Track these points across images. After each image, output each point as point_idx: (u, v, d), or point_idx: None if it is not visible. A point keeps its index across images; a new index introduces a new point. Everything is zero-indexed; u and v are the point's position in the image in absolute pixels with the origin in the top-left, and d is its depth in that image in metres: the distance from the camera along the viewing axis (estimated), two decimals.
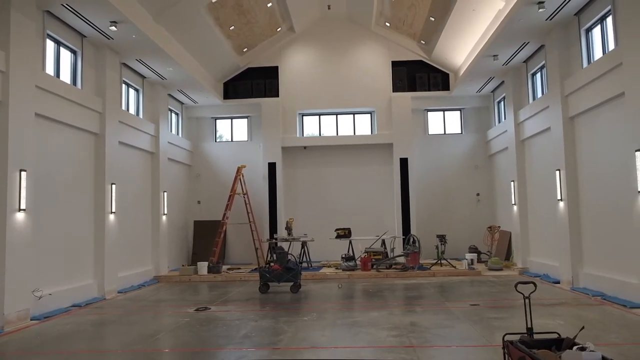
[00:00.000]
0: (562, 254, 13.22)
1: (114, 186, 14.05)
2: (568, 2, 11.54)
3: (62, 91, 11.83)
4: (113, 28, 12.32)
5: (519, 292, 5.63)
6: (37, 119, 10.97)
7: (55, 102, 11.66)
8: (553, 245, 14.25)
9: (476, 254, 17.36)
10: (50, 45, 12.03)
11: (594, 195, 12.02)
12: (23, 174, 10.07)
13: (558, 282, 13.47)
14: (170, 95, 19.22)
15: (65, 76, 12.69)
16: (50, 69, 11.96)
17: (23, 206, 10.03)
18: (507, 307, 10.55)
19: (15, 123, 9.92)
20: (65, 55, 12.73)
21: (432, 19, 17.19)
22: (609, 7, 11.06)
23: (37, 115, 10.95)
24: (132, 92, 16.59)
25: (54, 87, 11.48)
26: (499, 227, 19.15)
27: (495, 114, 20.13)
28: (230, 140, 22.21)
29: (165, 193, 17.95)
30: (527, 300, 5.36)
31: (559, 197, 13.30)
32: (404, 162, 20.03)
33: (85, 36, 13.04)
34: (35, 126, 10.73)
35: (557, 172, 13.34)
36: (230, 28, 17.31)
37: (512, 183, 17.31)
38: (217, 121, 22.32)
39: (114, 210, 14.03)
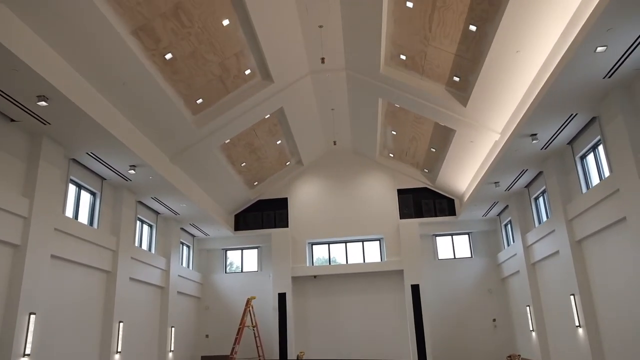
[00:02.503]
0: None
1: (121, 324, 13.86)
2: (559, 134, 12.24)
3: (79, 232, 12.26)
4: (132, 171, 13.11)
5: None
6: (52, 259, 11.25)
7: (72, 243, 12.03)
8: None
9: None
10: (72, 189, 12.72)
11: (613, 319, 11.64)
12: (32, 317, 10.05)
13: None
14: (182, 229, 19.70)
15: (83, 217, 13.22)
16: (69, 211, 12.52)
17: (28, 351, 9.86)
18: None
19: (31, 266, 10.16)
20: (85, 197, 13.38)
21: (433, 150, 18.09)
22: (598, 137, 11.68)
23: (53, 256, 11.25)
24: (145, 227, 17.07)
25: (71, 229, 11.93)
26: (519, 355, 18.22)
27: (503, 237, 20.21)
28: (240, 270, 22.22)
29: (172, 328, 17.58)
30: None
31: (577, 324, 12.87)
32: (415, 289, 19.70)
33: (105, 179, 13.83)
34: (49, 267, 10.97)
35: (572, 297, 13.07)
36: (242, 164, 18.26)
37: (527, 308, 16.85)
38: (228, 252, 22.53)
39: (119, 349, 13.68)
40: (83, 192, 13.25)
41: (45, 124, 10.28)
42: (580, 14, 8.71)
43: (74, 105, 9.58)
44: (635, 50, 8.72)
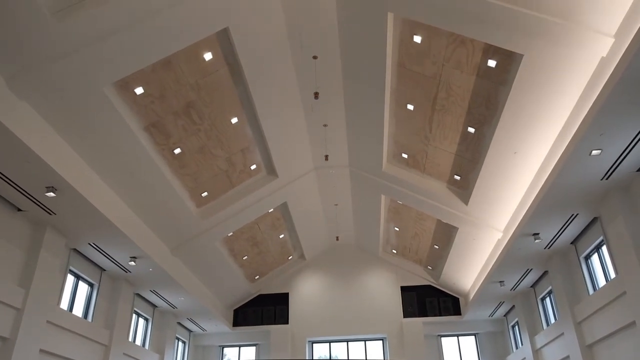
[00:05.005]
0: None
1: None
2: (561, 234, 12.22)
3: (72, 326, 11.93)
4: (132, 263, 13.03)
5: None
6: (41, 354, 10.81)
7: (63, 337, 11.65)
8: None
9: None
10: (70, 279, 12.57)
11: None
12: None
13: None
14: (179, 323, 19.12)
15: (79, 309, 12.93)
16: (65, 303, 12.26)
17: None
18: None
19: None
20: (83, 288, 13.18)
21: (436, 247, 17.99)
22: (601, 238, 11.64)
23: (42, 351, 10.83)
24: (141, 321, 16.59)
25: (64, 322, 11.62)
26: None
27: (511, 339, 19.41)
28: None
29: None
30: None
31: None
32: None
33: (104, 270, 13.71)
34: None
35: None
36: (244, 258, 18.13)
37: None
38: (225, 349, 21.64)
39: None
40: (81, 283, 13.07)
41: (50, 214, 10.41)
42: (573, 118, 9.10)
43: (82, 197, 9.77)
44: (630, 154, 8.96)
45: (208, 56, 10.12)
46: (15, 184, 9.29)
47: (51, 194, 9.48)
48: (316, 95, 11.38)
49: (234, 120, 12.11)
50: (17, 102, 8.20)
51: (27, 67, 7.95)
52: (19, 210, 10.21)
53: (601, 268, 12.05)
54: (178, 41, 9.19)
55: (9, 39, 7.47)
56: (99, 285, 13.62)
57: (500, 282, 15.75)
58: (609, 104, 7.70)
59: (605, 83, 7.66)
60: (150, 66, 9.40)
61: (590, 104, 8.20)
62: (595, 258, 12.39)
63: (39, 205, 10.02)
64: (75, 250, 12.43)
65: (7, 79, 7.95)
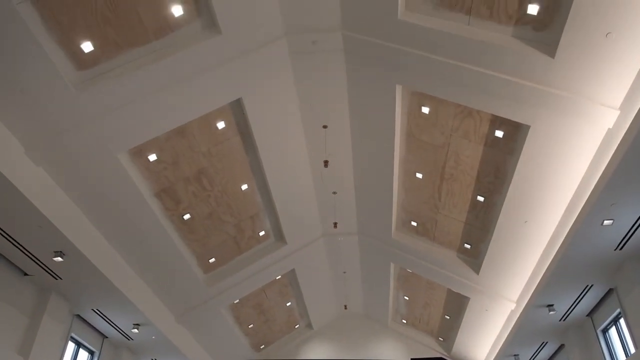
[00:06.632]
0: None
1: None
2: (576, 305, 11.87)
3: None
4: (135, 330, 12.75)
5: None
6: None
7: None
8: None
9: None
10: (70, 346, 12.26)
11: None
12: None
13: None
14: None
15: None
16: None
17: None
18: None
19: None
20: (82, 356, 12.83)
21: (448, 317, 17.48)
22: (618, 310, 11.28)
23: None
24: None
25: None
26: None
27: None
28: None
29: None
30: None
31: None
32: None
33: (106, 337, 13.40)
34: None
35: None
36: (249, 326, 17.68)
37: None
38: None
39: None
40: (81, 350, 12.73)
41: (56, 279, 10.34)
42: (584, 188, 9.08)
43: (89, 262, 9.74)
44: None
45: (221, 125, 10.40)
46: (24, 248, 9.30)
47: (59, 259, 9.46)
48: (326, 163, 11.55)
49: (244, 186, 12.23)
50: (33, 168, 8.38)
51: (45, 134, 8.19)
52: (25, 274, 10.16)
53: (620, 342, 11.59)
54: (192, 111, 9.50)
55: (32, 108, 7.75)
56: (100, 353, 13.25)
57: (515, 355, 15.14)
58: (618, 175, 7.71)
59: (613, 154, 7.72)
60: (164, 134, 9.65)
61: (600, 174, 8.23)
62: (613, 331, 11.94)
63: (45, 270, 9.97)
64: (78, 316, 12.21)
65: (26, 146, 8.16)
